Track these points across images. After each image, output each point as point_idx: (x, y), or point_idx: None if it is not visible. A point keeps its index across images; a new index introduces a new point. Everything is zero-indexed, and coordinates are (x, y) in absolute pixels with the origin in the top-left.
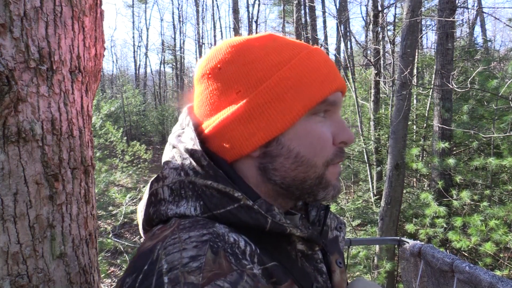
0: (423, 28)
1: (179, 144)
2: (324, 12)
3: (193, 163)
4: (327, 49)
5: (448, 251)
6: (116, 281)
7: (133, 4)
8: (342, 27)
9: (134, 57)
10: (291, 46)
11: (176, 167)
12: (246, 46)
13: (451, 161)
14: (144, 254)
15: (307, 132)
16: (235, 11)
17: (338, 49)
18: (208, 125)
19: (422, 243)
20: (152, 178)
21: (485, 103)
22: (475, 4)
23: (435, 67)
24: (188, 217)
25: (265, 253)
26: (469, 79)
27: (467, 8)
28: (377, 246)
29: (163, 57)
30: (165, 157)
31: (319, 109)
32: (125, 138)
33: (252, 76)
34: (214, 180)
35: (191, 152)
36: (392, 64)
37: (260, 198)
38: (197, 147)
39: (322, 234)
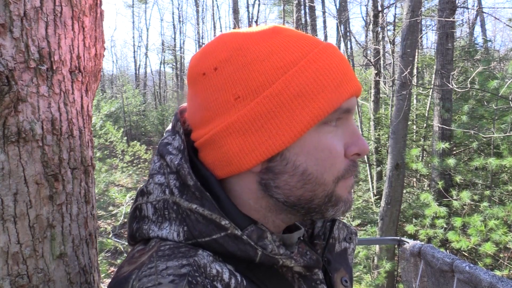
0: (423, 28)
1: (167, 156)
2: (324, 12)
3: (179, 181)
4: None
5: (448, 251)
6: None
7: (133, 4)
8: (342, 27)
9: (134, 57)
10: (299, 42)
11: (161, 182)
12: (246, 42)
13: (451, 161)
14: (119, 283)
15: (316, 146)
16: (235, 11)
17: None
18: (203, 135)
19: (422, 243)
20: (139, 188)
21: (485, 103)
22: (475, 4)
23: (435, 67)
24: (170, 240)
25: (254, 284)
26: (469, 79)
27: (467, 8)
28: (377, 246)
29: (163, 57)
30: (152, 168)
31: (331, 118)
32: (125, 138)
33: (252, 80)
34: (199, 204)
35: (177, 168)
36: (392, 64)
37: (251, 225)
38: (185, 162)
39: (327, 248)
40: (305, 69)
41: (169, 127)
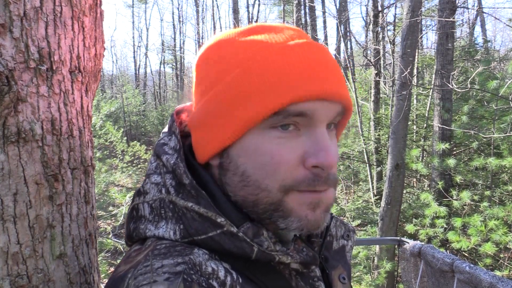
0: (423, 28)
1: (163, 156)
2: (324, 12)
3: (175, 180)
4: None
5: (448, 251)
6: None
7: (133, 4)
8: (342, 27)
9: (134, 57)
10: (259, 43)
11: (157, 182)
12: (222, 41)
13: (451, 161)
14: (115, 282)
15: (256, 149)
16: (235, 11)
17: (338, 49)
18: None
19: (422, 243)
20: (136, 189)
21: (485, 103)
22: (475, 4)
23: (435, 67)
24: (167, 239)
25: (251, 281)
26: (469, 79)
27: (467, 8)
28: (377, 246)
29: (163, 57)
30: (148, 168)
31: (277, 121)
32: (125, 138)
33: (210, 77)
34: (195, 202)
35: (173, 168)
36: (392, 64)
37: (247, 222)
38: (180, 161)
39: (324, 246)
40: (249, 70)
41: (166, 128)
